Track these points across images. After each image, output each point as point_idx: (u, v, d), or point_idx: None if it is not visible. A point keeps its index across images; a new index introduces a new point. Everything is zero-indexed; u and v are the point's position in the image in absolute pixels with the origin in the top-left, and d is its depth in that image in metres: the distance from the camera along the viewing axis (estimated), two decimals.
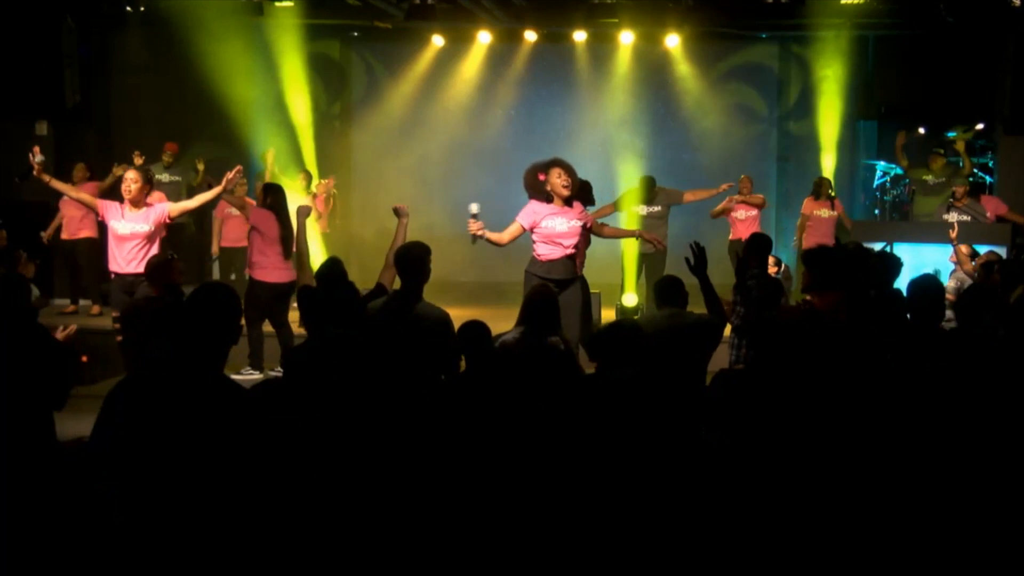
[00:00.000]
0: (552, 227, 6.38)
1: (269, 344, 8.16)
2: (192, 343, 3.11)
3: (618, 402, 3.85)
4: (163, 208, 6.97)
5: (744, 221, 10.36)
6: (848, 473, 3.52)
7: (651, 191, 9.66)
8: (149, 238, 6.83)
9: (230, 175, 7.05)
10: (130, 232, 6.82)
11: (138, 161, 9.92)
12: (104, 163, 10.32)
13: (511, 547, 3.68)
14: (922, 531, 3.46)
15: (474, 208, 6.24)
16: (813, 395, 3.60)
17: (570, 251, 6.46)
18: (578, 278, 6.55)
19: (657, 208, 9.62)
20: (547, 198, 6.40)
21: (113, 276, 6.93)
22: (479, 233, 6.22)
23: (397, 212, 5.82)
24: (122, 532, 2.99)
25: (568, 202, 6.44)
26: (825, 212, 10.50)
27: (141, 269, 6.66)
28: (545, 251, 6.42)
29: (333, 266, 5.35)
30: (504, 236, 6.44)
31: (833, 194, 10.59)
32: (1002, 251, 8.19)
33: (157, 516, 2.96)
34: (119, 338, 6.74)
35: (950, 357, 3.73)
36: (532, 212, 6.41)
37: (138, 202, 6.86)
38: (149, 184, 6.99)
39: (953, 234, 7.77)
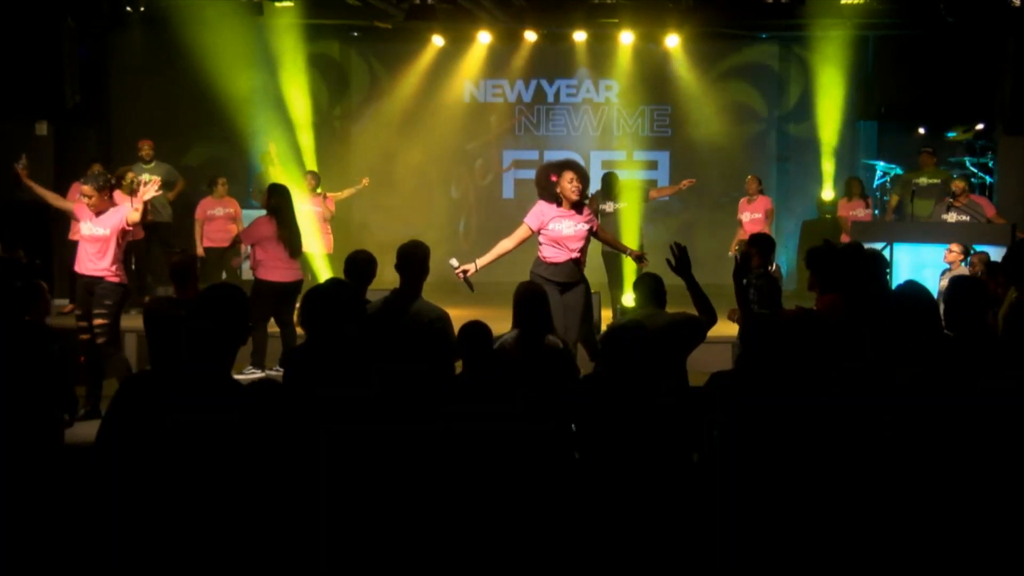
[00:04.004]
0: (559, 230, 6.34)
1: (271, 344, 8.16)
2: (199, 343, 3.11)
3: (614, 403, 3.86)
4: (123, 213, 6.90)
5: (750, 223, 10.35)
6: (845, 474, 3.53)
7: (615, 188, 9.64)
8: (106, 241, 6.81)
9: (143, 191, 6.95)
10: (89, 235, 6.84)
11: (131, 176, 9.97)
12: (104, 163, 10.30)
13: (509, 548, 3.68)
14: (918, 533, 3.46)
15: (454, 262, 6.23)
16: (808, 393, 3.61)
17: (575, 255, 6.41)
18: (582, 281, 6.52)
19: (624, 204, 9.59)
20: (556, 200, 6.37)
21: (78, 275, 6.97)
22: (467, 271, 6.19)
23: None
24: (124, 532, 2.99)
25: (577, 206, 6.41)
26: (859, 212, 10.52)
27: (97, 272, 6.80)
28: (550, 253, 6.38)
29: (363, 263, 5.45)
30: (510, 243, 6.42)
31: (865, 193, 10.68)
32: (1001, 251, 8.14)
33: (159, 517, 2.97)
34: (83, 336, 6.85)
35: (947, 358, 3.73)
36: (539, 213, 6.38)
37: (100, 210, 6.83)
38: (106, 190, 6.96)
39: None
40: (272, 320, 8.09)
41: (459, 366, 4.77)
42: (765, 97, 13.24)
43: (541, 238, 6.42)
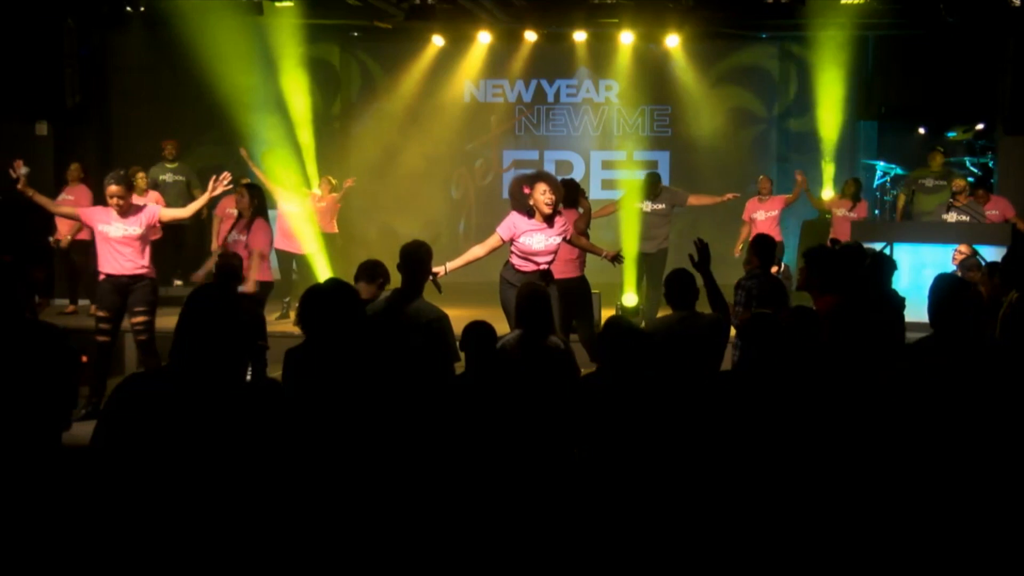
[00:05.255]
0: (529, 244, 6.40)
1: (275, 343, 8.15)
2: (194, 346, 3.10)
3: (637, 403, 3.85)
4: (154, 211, 6.98)
5: (764, 222, 10.37)
6: (841, 473, 3.53)
7: (655, 188, 9.66)
8: (142, 239, 6.84)
9: (217, 182, 6.99)
10: (122, 235, 6.79)
11: (142, 183, 9.97)
12: (103, 163, 10.32)
13: (511, 547, 3.68)
14: (914, 532, 3.46)
15: None
16: (805, 395, 3.61)
17: (543, 267, 6.49)
18: (551, 285, 6.52)
19: (661, 206, 9.62)
20: (529, 212, 6.40)
21: (104, 276, 6.89)
22: (437, 273, 5.94)
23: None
24: (122, 532, 2.99)
25: (549, 218, 6.44)
26: (841, 211, 10.57)
27: (137, 271, 6.82)
28: (519, 263, 6.47)
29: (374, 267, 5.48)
30: (481, 250, 6.47)
31: (858, 195, 10.74)
32: (1002, 252, 8.13)
33: (158, 517, 2.97)
34: (100, 338, 6.84)
35: (944, 360, 3.72)
36: (511, 225, 6.44)
37: (126, 210, 6.81)
38: (131, 190, 7.02)
39: None
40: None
41: (459, 367, 4.78)
42: (765, 97, 13.24)
43: (512, 248, 6.49)
